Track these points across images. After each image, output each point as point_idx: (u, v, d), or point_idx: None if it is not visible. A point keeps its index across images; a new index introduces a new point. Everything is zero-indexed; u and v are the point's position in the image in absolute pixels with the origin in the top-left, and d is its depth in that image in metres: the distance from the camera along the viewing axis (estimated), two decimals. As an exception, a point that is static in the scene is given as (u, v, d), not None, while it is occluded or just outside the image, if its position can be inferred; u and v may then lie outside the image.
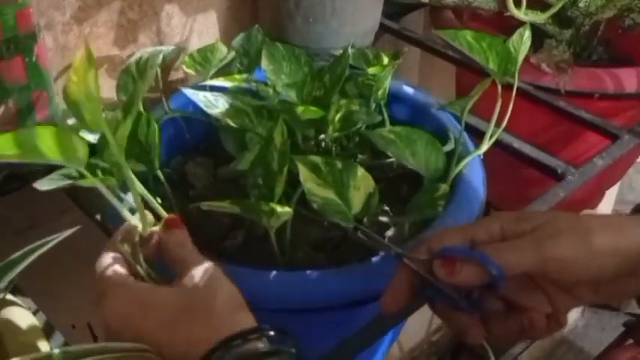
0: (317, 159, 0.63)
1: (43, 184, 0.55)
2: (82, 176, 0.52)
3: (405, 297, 0.54)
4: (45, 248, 0.58)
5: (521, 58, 0.73)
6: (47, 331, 0.62)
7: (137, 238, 0.57)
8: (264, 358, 0.48)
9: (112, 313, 0.52)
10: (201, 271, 0.54)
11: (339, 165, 0.64)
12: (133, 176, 0.55)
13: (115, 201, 0.56)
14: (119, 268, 0.55)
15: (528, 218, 0.52)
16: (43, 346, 0.58)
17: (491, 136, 0.73)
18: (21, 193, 0.81)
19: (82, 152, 0.50)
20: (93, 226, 0.75)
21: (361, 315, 0.64)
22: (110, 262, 0.55)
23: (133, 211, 0.59)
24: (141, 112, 0.66)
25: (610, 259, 0.49)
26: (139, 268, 0.56)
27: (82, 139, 0.49)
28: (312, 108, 0.68)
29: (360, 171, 0.64)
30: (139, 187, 0.58)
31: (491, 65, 0.71)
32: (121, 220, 0.58)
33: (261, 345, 0.49)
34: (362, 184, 0.64)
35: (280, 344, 0.49)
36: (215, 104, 0.70)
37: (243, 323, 0.51)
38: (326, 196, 0.63)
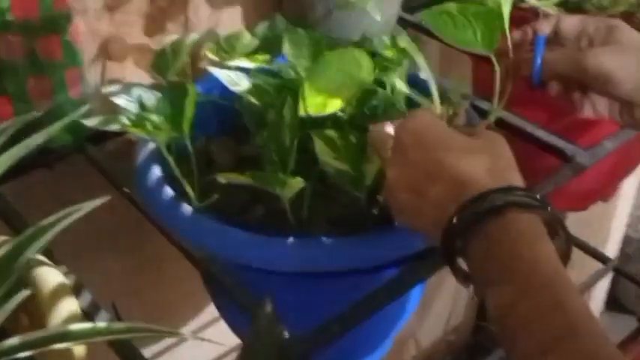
0: (332, 133, 0.67)
1: (93, 122, 0.56)
2: (134, 125, 0.53)
3: None
4: (77, 215, 0.58)
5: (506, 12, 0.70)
6: (76, 292, 0.65)
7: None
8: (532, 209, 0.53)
9: (409, 127, 0.60)
10: (493, 136, 0.60)
11: (354, 139, 0.67)
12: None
13: None
14: None
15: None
16: (71, 302, 0.61)
17: (493, 113, 0.73)
18: (47, 173, 0.84)
19: None
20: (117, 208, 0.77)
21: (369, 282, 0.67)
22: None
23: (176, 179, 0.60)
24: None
25: None
26: None
27: None
28: (331, 85, 0.71)
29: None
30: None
31: (479, 38, 0.69)
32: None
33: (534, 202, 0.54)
34: (376, 158, 0.67)
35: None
36: (238, 82, 0.73)
37: (519, 181, 0.57)
38: (340, 168, 0.66)
